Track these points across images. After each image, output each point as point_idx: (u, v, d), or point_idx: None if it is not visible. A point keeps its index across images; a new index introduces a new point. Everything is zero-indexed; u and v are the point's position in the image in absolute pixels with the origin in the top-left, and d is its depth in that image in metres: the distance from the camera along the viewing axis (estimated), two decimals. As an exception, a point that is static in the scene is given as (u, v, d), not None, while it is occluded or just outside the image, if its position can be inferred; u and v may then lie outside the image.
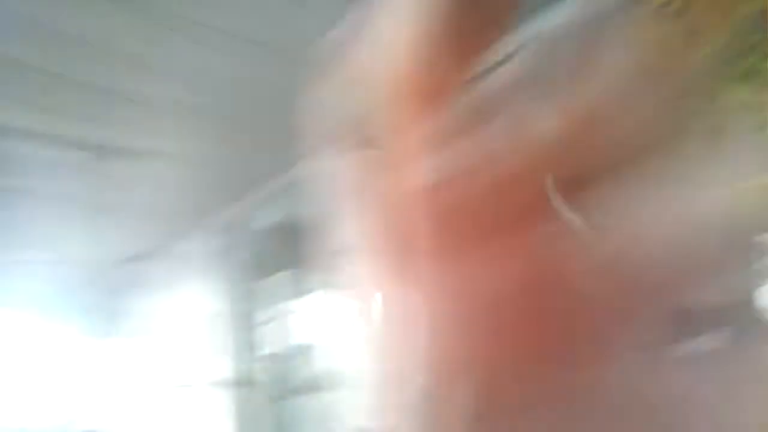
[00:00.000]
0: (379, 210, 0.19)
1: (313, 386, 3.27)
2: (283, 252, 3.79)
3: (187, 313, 4.59)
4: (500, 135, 0.14)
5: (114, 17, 2.01)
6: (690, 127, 0.14)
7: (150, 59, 2.21)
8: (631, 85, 0.13)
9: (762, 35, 0.13)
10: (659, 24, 0.14)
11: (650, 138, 0.13)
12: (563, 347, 0.14)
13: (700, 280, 0.14)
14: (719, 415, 0.14)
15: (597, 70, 0.13)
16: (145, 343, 5.20)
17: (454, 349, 0.16)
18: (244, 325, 4.07)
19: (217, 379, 4.13)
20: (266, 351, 3.77)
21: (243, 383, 3.91)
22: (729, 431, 0.14)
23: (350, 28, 0.20)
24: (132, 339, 5.68)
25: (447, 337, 0.16)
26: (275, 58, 2.21)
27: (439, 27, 0.14)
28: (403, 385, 0.19)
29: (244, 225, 3.98)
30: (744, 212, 0.13)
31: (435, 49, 0.14)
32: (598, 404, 0.14)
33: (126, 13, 2.02)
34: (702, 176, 0.14)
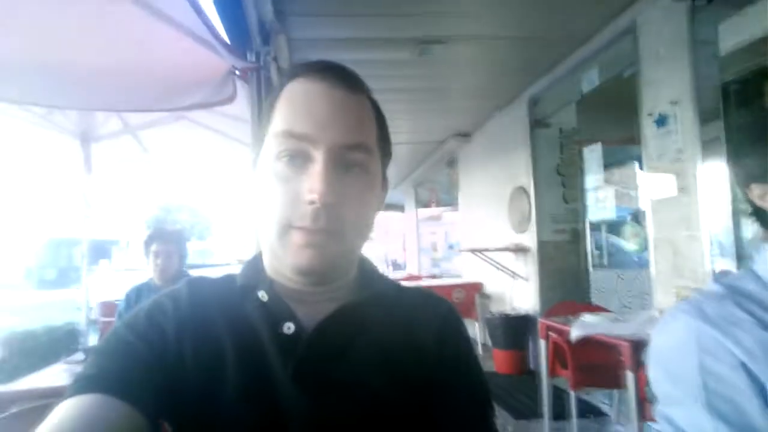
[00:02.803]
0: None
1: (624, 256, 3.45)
2: (599, 120, 3.95)
3: (498, 184, 5.17)
4: None
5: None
6: None
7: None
8: None
9: None
10: None
11: None
12: None
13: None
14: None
15: None
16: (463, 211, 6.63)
17: None
18: (555, 195, 4.42)
19: (523, 245, 4.62)
20: (584, 220, 4.03)
21: (549, 250, 4.34)
22: None
23: None
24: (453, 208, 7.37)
25: None
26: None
27: None
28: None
29: (556, 96, 4.18)
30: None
31: None
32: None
33: None
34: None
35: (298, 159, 0.55)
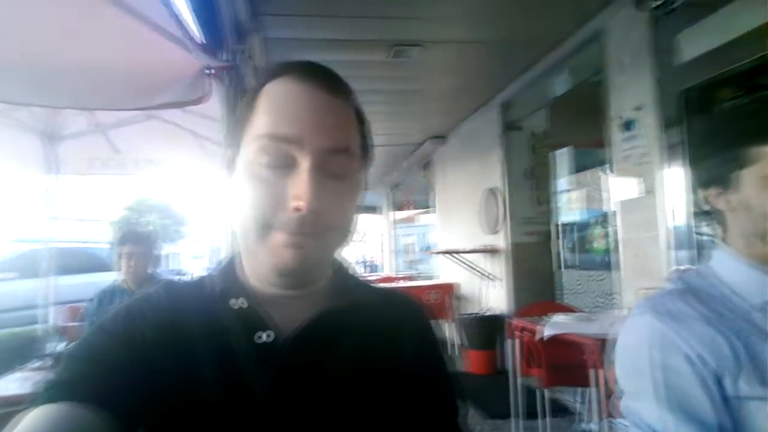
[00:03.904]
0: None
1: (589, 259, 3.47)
2: (569, 124, 3.94)
3: (472, 186, 5.12)
4: None
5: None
6: None
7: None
8: None
9: None
10: None
11: None
12: None
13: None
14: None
15: None
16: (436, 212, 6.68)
17: None
18: (527, 197, 4.46)
19: (496, 246, 4.64)
20: (555, 221, 4.00)
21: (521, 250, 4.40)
22: None
23: None
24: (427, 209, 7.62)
25: None
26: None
27: None
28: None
29: (527, 100, 4.20)
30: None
31: None
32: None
33: None
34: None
35: (281, 161, 0.53)
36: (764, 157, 0.74)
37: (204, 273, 0.67)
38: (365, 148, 0.62)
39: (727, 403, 0.68)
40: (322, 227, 0.53)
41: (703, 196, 0.84)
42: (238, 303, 0.57)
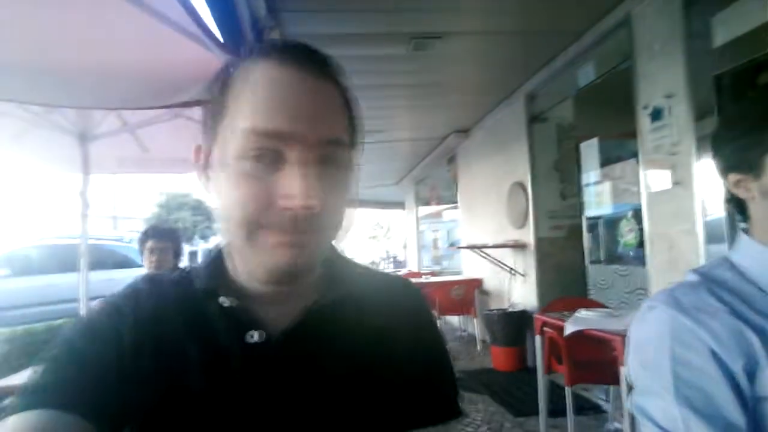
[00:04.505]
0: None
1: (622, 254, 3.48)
2: (596, 115, 3.95)
3: (497, 180, 5.14)
4: None
5: None
6: None
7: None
8: None
9: None
10: None
11: None
12: None
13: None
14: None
15: None
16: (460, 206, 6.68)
17: None
18: (553, 191, 4.43)
19: (519, 241, 4.66)
20: (583, 215, 4.05)
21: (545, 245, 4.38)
22: None
23: None
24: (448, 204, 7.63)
25: None
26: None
27: None
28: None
29: (553, 91, 4.16)
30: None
31: None
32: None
33: None
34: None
35: (268, 156, 0.49)
36: None
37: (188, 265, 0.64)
38: (353, 132, 0.56)
39: (747, 402, 0.64)
40: (315, 224, 0.50)
41: (725, 183, 0.79)
42: (226, 301, 0.54)
